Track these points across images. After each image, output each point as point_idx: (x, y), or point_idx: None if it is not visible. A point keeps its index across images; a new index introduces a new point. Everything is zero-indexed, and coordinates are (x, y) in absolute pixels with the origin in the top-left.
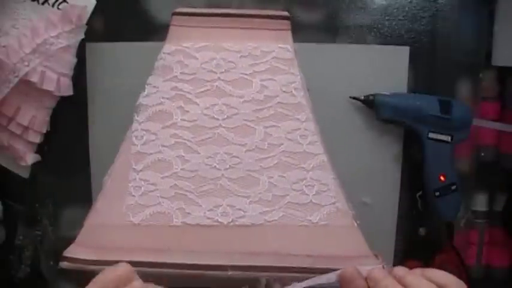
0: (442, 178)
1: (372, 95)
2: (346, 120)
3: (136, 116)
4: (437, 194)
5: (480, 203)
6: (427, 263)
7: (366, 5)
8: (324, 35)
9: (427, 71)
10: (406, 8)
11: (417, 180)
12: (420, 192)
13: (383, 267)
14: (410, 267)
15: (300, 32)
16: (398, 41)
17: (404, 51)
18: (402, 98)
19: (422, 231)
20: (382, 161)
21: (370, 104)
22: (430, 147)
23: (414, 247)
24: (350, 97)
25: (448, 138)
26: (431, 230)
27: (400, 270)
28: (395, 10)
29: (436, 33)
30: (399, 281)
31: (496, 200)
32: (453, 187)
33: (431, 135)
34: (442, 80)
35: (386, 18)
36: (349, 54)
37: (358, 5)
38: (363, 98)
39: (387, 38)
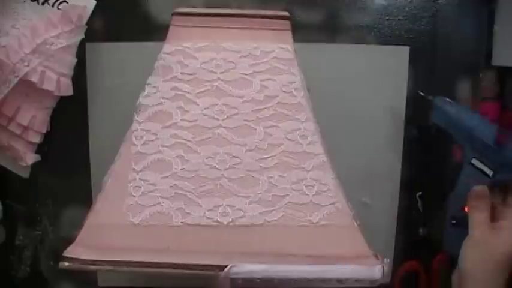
0: (466, 209)
1: (431, 96)
2: (346, 120)
3: (136, 116)
4: (453, 221)
5: None
6: (427, 263)
7: (366, 5)
8: (324, 35)
9: (427, 71)
10: (406, 8)
11: (418, 181)
12: (420, 193)
13: (383, 268)
14: (410, 267)
15: (300, 32)
16: (398, 41)
17: (404, 51)
18: (461, 110)
19: (422, 231)
20: (382, 161)
21: (427, 103)
22: (468, 173)
23: (414, 247)
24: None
25: (490, 172)
26: (431, 230)
27: None
28: (395, 10)
29: (436, 33)
30: None
31: None
32: None
33: (474, 161)
34: (442, 80)
35: (386, 18)
36: (349, 54)
37: (358, 5)
38: (422, 94)
39: (387, 38)
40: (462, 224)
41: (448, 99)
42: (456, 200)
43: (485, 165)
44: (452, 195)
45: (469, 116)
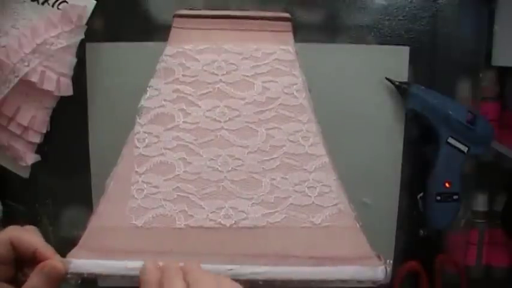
0: (447, 184)
1: (406, 83)
2: (346, 120)
3: (138, 119)
4: (438, 198)
5: (480, 203)
6: (427, 263)
7: (366, 5)
8: (324, 35)
9: (427, 71)
10: (406, 8)
11: (418, 181)
12: (421, 194)
13: (385, 268)
14: (411, 268)
15: (300, 32)
16: (398, 41)
17: (405, 51)
18: (435, 96)
19: (422, 232)
20: (382, 161)
21: (402, 91)
22: (446, 152)
23: (414, 247)
24: (386, 78)
25: (465, 148)
26: (432, 230)
27: (190, 265)
28: (395, 10)
29: (436, 33)
30: (185, 275)
31: (496, 200)
32: (455, 197)
33: (450, 140)
34: (442, 80)
35: (387, 18)
36: (349, 54)
37: (358, 5)
38: (397, 83)
39: (387, 38)
40: (446, 200)
41: (421, 86)
42: (438, 178)
43: (461, 142)
44: (433, 173)
45: (443, 100)
